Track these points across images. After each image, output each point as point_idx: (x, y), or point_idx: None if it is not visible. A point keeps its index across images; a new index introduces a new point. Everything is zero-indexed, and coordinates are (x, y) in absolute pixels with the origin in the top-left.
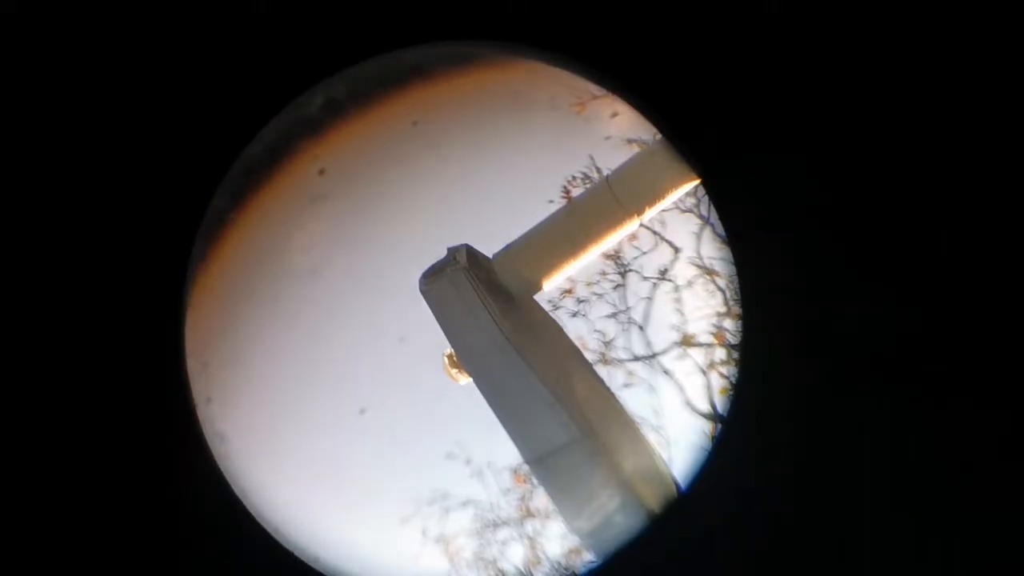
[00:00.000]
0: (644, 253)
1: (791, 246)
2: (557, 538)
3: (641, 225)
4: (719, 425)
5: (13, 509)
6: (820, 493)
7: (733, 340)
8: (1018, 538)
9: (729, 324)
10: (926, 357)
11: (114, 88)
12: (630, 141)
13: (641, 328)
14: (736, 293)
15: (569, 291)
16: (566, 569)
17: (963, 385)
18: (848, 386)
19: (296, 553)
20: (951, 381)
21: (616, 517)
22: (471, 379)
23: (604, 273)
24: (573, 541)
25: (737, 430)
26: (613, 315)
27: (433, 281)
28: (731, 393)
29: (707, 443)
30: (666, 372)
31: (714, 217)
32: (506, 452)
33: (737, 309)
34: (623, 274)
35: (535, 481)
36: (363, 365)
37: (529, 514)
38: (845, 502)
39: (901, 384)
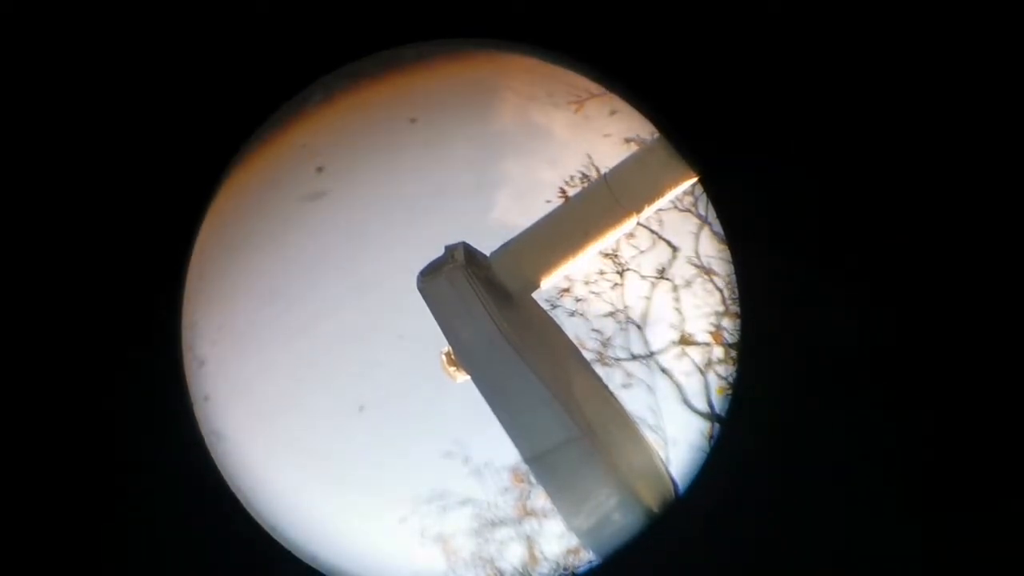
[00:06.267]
0: (642, 252)
1: (789, 245)
2: (556, 537)
3: (639, 224)
4: (717, 424)
5: (10, 507)
6: (818, 492)
7: (731, 339)
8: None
9: (727, 323)
10: (925, 357)
11: (114, 86)
12: (628, 140)
13: (639, 327)
14: (734, 292)
15: (567, 290)
16: (565, 568)
17: (962, 384)
18: (846, 385)
19: (294, 552)
20: (949, 381)
21: (614, 515)
22: (469, 377)
23: (602, 272)
24: (572, 540)
25: (735, 429)
26: (611, 314)
27: (431, 279)
28: (729, 392)
29: (705, 442)
30: (664, 371)
31: (712, 216)
32: (504, 451)
33: (735, 308)
34: (621, 273)
35: (533, 480)
36: (361, 363)
37: (527, 513)
38: (843, 500)
39: (899, 383)
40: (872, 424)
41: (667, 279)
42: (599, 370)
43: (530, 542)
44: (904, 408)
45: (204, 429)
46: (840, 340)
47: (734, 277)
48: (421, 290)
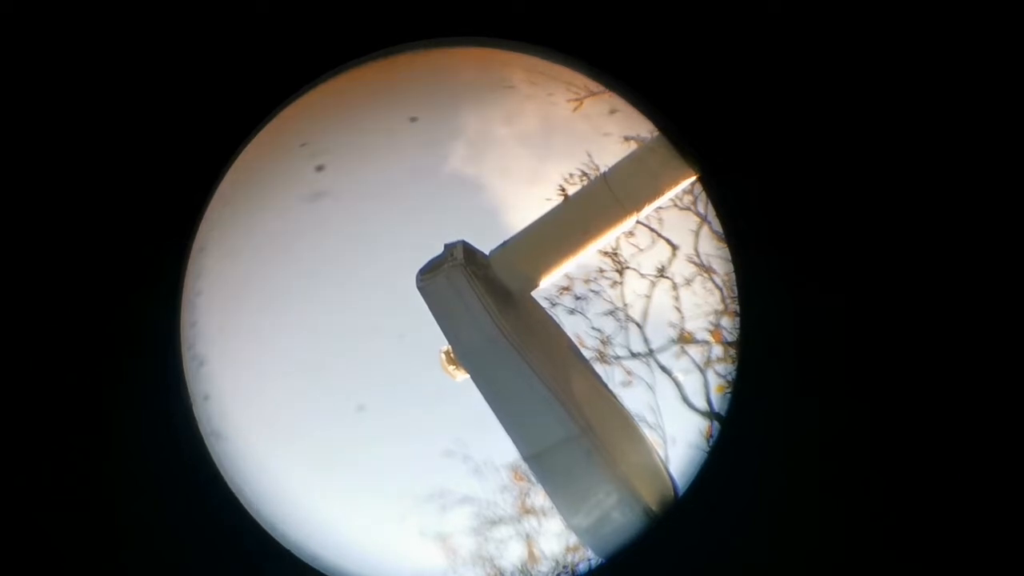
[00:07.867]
0: (642, 250)
1: (789, 243)
2: (555, 535)
3: (638, 222)
4: (716, 423)
5: (9, 507)
6: (818, 490)
7: (730, 338)
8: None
9: (726, 322)
10: (926, 357)
11: (114, 86)
12: (628, 138)
13: (639, 325)
14: (733, 291)
15: (567, 288)
16: (564, 567)
17: (964, 384)
18: (846, 384)
19: (294, 551)
20: (951, 380)
21: (614, 514)
22: (468, 376)
23: (602, 270)
24: (571, 538)
25: (734, 428)
26: (611, 312)
27: (430, 277)
28: (728, 391)
29: (704, 441)
30: (664, 370)
31: (712, 214)
32: (504, 449)
33: (734, 307)
34: (621, 271)
35: (533, 478)
36: (361, 362)
37: (527, 511)
38: (843, 500)
39: (900, 383)
40: (872, 423)
41: (667, 277)
42: (599, 368)
43: (530, 540)
44: (905, 408)
45: (204, 429)
46: (840, 339)
47: (733, 275)
48: (420, 289)
